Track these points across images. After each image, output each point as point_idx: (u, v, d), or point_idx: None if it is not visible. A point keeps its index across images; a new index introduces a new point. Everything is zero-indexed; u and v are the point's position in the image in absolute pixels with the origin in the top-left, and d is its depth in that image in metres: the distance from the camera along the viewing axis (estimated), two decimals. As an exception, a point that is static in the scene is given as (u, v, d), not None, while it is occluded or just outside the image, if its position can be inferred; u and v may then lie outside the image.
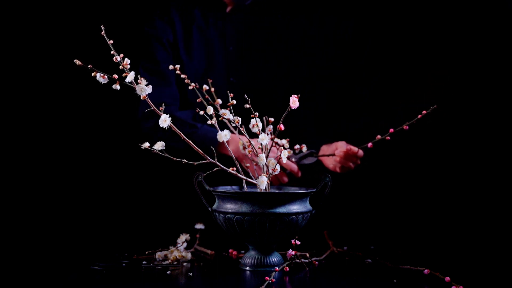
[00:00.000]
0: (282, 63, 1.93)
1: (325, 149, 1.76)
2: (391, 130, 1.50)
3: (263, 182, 1.30)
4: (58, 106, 2.15)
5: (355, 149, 1.64)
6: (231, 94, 1.35)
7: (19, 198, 2.09)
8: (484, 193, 2.03)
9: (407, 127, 1.47)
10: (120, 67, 1.23)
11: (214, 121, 1.32)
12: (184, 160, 1.29)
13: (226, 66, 1.88)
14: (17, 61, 2.11)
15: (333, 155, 1.68)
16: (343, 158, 1.66)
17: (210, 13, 1.88)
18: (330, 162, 1.73)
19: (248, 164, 1.54)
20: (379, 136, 1.53)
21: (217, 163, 1.31)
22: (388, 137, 1.51)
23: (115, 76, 1.22)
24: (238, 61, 1.89)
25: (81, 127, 2.17)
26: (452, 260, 1.52)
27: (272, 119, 1.41)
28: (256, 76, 1.90)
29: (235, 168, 1.35)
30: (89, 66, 1.21)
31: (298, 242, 1.30)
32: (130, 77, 1.21)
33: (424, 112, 1.44)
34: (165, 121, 1.24)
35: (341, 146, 1.69)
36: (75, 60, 1.21)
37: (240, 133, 1.39)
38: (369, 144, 1.57)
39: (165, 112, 1.26)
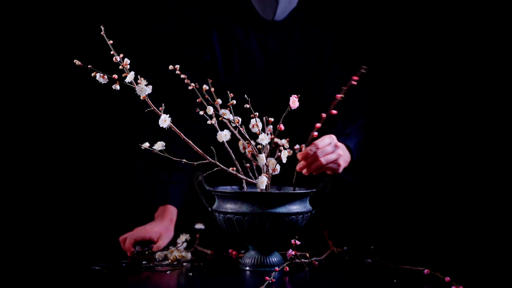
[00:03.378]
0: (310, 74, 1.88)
1: None
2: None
3: (263, 182, 1.30)
4: (58, 106, 2.15)
5: (309, 148, 1.40)
6: (231, 94, 1.34)
7: (19, 198, 2.09)
8: (484, 193, 2.03)
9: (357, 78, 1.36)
10: (120, 67, 1.23)
11: (214, 121, 1.32)
12: (184, 160, 1.29)
13: (266, 78, 1.80)
14: (17, 61, 2.11)
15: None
16: (305, 163, 1.42)
17: (250, 25, 1.79)
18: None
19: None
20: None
21: (217, 163, 1.31)
22: (355, 82, 1.36)
23: (115, 76, 1.22)
24: (276, 73, 1.82)
25: (81, 127, 2.17)
26: (452, 260, 1.52)
27: (272, 119, 1.40)
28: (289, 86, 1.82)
29: (235, 168, 1.35)
30: (89, 66, 1.21)
31: (298, 242, 1.30)
32: (130, 77, 1.21)
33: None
34: (165, 121, 1.24)
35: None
36: (75, 60, 1.21)
37: (240, 133, 1.39)
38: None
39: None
